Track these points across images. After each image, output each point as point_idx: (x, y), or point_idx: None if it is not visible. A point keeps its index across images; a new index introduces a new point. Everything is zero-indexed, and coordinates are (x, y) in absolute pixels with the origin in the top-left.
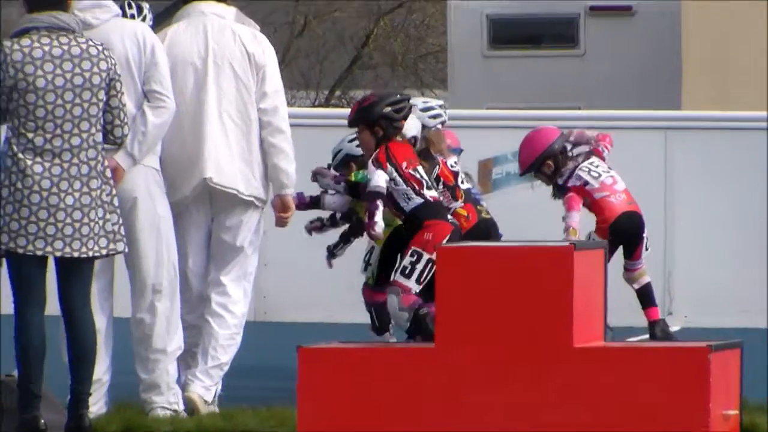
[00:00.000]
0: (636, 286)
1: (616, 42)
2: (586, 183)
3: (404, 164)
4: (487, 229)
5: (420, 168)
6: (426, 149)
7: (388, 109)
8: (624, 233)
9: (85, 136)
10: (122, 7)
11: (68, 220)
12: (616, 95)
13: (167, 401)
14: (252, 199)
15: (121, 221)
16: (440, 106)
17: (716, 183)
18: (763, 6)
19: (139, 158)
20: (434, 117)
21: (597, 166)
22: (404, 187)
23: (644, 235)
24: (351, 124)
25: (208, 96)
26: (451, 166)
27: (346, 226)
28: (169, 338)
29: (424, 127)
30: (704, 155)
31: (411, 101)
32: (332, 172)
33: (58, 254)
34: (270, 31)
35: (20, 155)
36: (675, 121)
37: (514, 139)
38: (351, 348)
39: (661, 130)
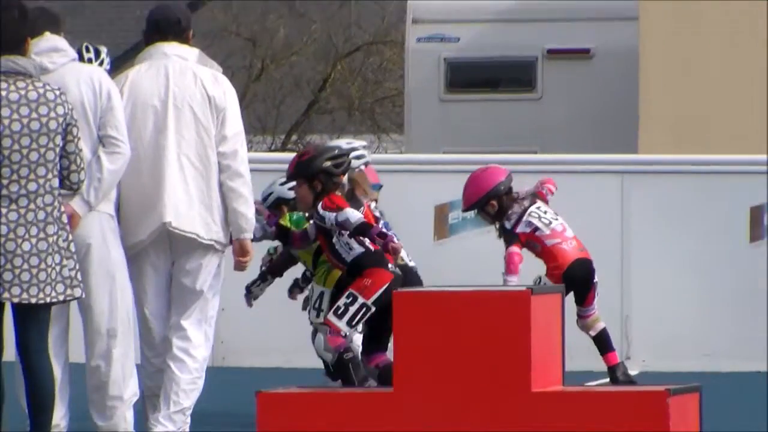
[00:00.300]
0: (592, 333)
1: (573, 85)
2: (537, 229)
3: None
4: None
5: (374, 206)
6: (351, 191)
7: (328, 163)
8: (576, 280)
9: (41, 181)
10: (80, 51)
11: (25, 266)
12: (573, 139)
13: None
14: (212, 243)
15: (77, 267)
16: (364, 147)
17: (673, 226)
18: (722, 47)
19: (95, 204)
20: (358, 158)
21: (545, 212)
22: (346, 237)
23: (595, 281)
24: (290, 178)
25: (167, 140)
26: (375, 209)
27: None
28: (125, 384)
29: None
30: (661, 199)
31: (334, 143)
32: (266, 211)
33: (15, 300)
34: (227, 75)
35: None
36: (631, 165)
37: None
38: (309, 393)
39: (617, 174)
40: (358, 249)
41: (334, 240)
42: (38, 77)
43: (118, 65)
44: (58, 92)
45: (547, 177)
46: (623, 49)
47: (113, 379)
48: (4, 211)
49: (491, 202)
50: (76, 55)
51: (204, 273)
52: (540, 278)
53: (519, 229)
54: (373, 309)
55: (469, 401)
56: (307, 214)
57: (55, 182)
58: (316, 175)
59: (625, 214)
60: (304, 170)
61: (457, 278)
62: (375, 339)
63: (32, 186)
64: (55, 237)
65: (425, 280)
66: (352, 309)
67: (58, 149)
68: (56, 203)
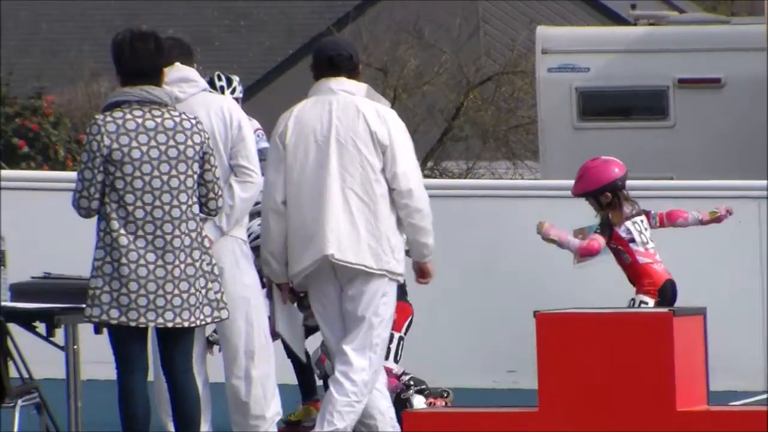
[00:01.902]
0: None
1: (705, 113)
2: (632, 240)
3: None
4: None
5: None
6: None
7: None
8: (666, 299)
9: (184, 207)
10: (211, 79)
11: (176, 291)
12: (706, 165)
13: None
14: (384, 272)
15: (222, 289)
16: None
17: None
18: None
19: (227, 230)
20: None
21: (645, 229)
22: None
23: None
24: None
25: (330, 174)
26: None
27: None
28: (267, 404)
29: None
30: None
31: None
32: None
33: (170, 325)
34: None
35: (121, 231)
36: None
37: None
38: (454, 412)
39: (755, 199)
40: None
41: None
42: (173, 106)
43: (248, 96)
44: (194, 121)
45: (676, 209)
46: (753, 78)
47: (254, 399)
48: (150, 238)
49: (606, 194)
50: (206, 86)
51: (367, 299)
52: (634, 300)
53: (617, 229)
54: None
55: (614, 421)
56: None
57: (196, 208)
58: None
59: (763, 240)
60: None
61: (598, 300)
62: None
63: (176, 212)
64: (200, 262)
65: (567, 303)
66: (393, 346)
67: (196, 176)
68: (198, 228)
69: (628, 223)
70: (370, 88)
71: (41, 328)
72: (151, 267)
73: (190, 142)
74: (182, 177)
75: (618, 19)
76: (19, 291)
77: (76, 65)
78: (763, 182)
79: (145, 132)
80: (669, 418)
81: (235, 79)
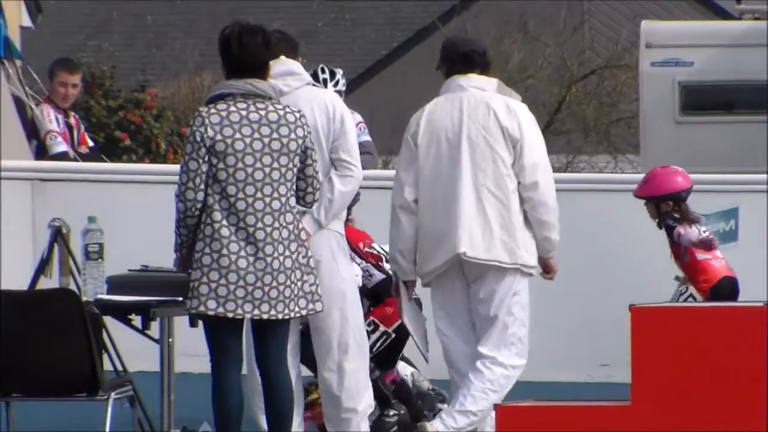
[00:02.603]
0: None
1: None
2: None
3: (360, 245)
4: None
5: (375, 245)
6: None
7: None
8: (723, 296)
9: (283, 200)
10: (315, 72)
11: (274, 284)
12: None
13: None
14: (517, 267)
15: (317, 282)
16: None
17: None
18: None
19: (325, 224)
20: None
21: (705, 231)
22: (364, 264)
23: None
24: None
25: (462, 172)
26: None
27: None
28: (359, 397)
29: None
30: None
31: None
32: None
33: (265, 316)
34: None
35: (223, 222)
36: None
37: (710, 202)
38: (546, 406)
39: None
40: (378, 276)
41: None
42: (278, 100)
43: (351, 89)
44: (298, 114)
45: None
46: None
47: (347, 392)
48: (251, 230)
49: (668, 202)
50: (310, 79)
51: (499, 299)
52: (684, 290)
53: (679, 230)
54: (393, 336)
55: (706, 415)
56: None
57: (293, 201)
58: None
59: None
60: None
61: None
62: (385, 358)
63: (276, 204)
64: (296, 254)
65: (663, 297)
66: (374, 337)
67: (295, 169)
68: (295, 221)
69: (693, 227)
70: (501, 82)
71: (137, 321)
72: (251, 259)
73: (293, 136)
74: (283, 170)
75: (723, 14)
76: (115, 284)
77: (180, 58)
78: None
79: (248, 124)
80: (763, 412)
81: (339, 72)
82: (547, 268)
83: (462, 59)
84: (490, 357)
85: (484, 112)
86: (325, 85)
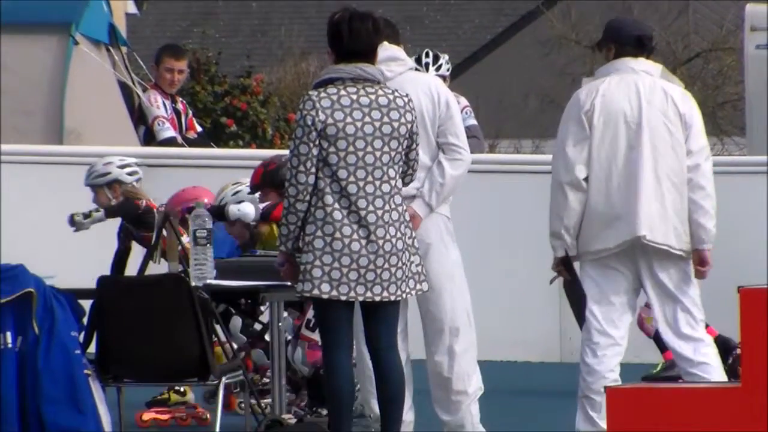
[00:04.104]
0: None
1: None
2: None
3: None
4: None
5: None
6: (126, 200)
7: None
8: None
9: (392, 183)
10: (419, 57)
11: (386, 266)
12: None
13: None
14: (682, 252)
15: (422, 262)
16: (136, 164)
17: None
18: None
19: (435, 207)
20: (131, 174)
21: None
22: None
23: None
24: (257, 188)
25: (643, 156)
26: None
27: None
28: (468, 379)
29: (122, 182)
30: None
31: (110, 158)
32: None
33: (378, 298)
34: (568, 81)
35: (335, 205)
36: None
37: None
38: (658, 388)
39: None
40: None
41: None
42: (386, 84)
43: (456, 73)
44: (406, 99)
45: None
46: None
47: (457, 374)
48: (363, 213)
49: None
50: (413, 64)
51: (675, 280)
52: None
53: None
54: None
55: None
56: None
57: (401, 183)
58: (283, 184)
59: None
60: (273, 179)
61: None
62: None
63: (386, 187)
64: (405, 236)
65: None
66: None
67: (402, 153)
68: (403, 203)
69: None
70: (664, 68)
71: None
72: (363, 242)
73: (403, 120)
74: (392, 153)
75: None
76: (224, 269)
77: (285, 44)
78: None
79: (359, 108)
80: None
81: (443, 57)
82: (701, 261)
83: (635, 42)
84: (697, 338)
85: (661, 98)
86: (427, 69)
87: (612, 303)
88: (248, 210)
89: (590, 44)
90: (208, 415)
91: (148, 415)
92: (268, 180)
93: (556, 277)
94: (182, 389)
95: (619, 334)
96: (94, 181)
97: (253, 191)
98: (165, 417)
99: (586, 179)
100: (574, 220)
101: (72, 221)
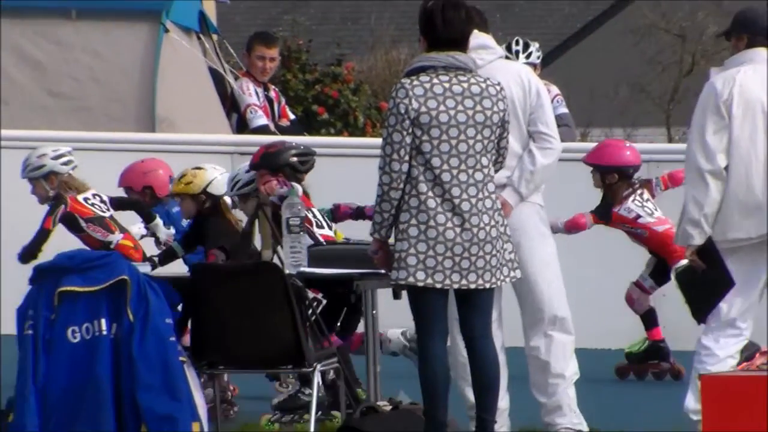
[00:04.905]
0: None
1: None
2: (638, 216)
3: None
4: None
5: (315, 209)
6: (57, 194)
7: (295, 159)
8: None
9: (485, 171)
10: (509, 44)
11: (480, 253)
12: None
13: (570, 422)
14: None
15: (515, 250)
16: (69, 153)
17: None
18: None
19: (526, 196)
20: (66, 164)
21: (647, 200)
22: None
23: None
24: (254, 168)
25: None
26: (86, 200)
27: None
28: (566, 364)
29: (57, 173)
30: None
31: (43, 150)
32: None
33: (473, 286)
34: (657, 70)
35: (429, 193)
36: None
37: None
38: (755, 376)
39: None
40: (308, 240)
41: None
42: (477, 72)
43: (547, 62)
44: (498, 87)
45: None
46: None
47: (554, 357)
48: (456, 201)
49: (614, 174)
50: (503, 53)
51: None
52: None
53: (617, 210)
54: (325, 302)
55: None
56: None
57: (492, 171)
58: (281, 168)
59: None
60: (271, 162)
61: None
62: (343, 327)
63: (479, 176)
64: (498, 223)
65: None
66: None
67: (495, 142)
68: (495, 191)
69: (629, 203)
70: None
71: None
72: (458, 230)
73: (495, 108)
74: (485, 142)
75: None
76: (317, 257)
77: (376, 32)
78: None
79: (452, 96)
80: None
81: (534, 45)
82: None
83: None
84: None
85: None
86: (517, 57)
87: (744, 292)
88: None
89: (680, 33)
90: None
91: None
92: (265, 162)
93: (689, 268)
94: None
95: (746, 326)
96: (30, 175)
97: (252, 169)
98: None
99: (725, 168)
100: (713, 209)
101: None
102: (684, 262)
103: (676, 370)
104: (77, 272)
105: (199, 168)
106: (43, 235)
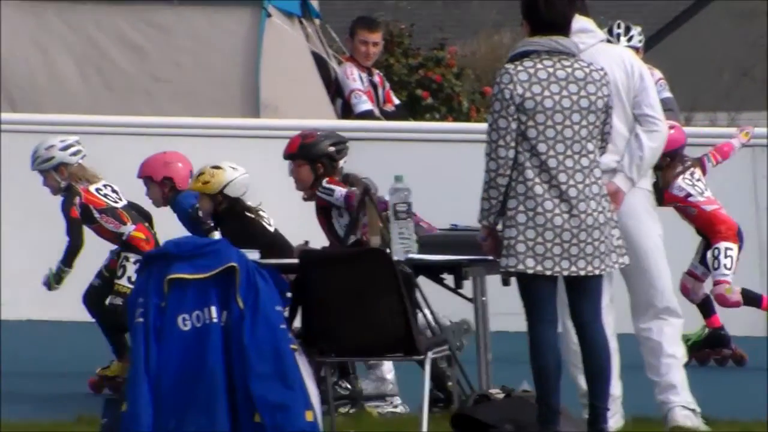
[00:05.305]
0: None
1: None
2: (689, 195)
3: None
4: None
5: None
6: (69, 185)
7: (332, 148)
8: (742, 244)
9: (591, 156)
10: (611, 28)
11: (588, 240)
12: None
13: (685, 401)
14: None
15: (621, 235)
16: (77, 142)
17: None
18: None
19: (636, 181)
20: (74, 154)
21: (698, 180)
22: (345, 220)
23: None
24: (291, 158)
25: None
26: (98, 190)
27: None
28: (678, 346)
29: (67, 164)
30: None
31: (51, 141)
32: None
33: (582, 273)
34: (762, 54)
35: (536, 180)
36: None
37: None
38: None
39: None
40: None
41: (333, 221)
42: (580, 57)
43: (650, 45)
44: (602, 72)
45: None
46: None
47: (666, 338)
48: (563, 187)
49: (666, 158)
50: (604, 36)
51: None
52: (717, 249)
53: (669, 190)
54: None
55: None
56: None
57: (598, 156)
58: (319, 158)
59: None
60: (308, 152)
61: None
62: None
63: (585, 161)
64: (605, 209)
65: None
66: None
67: (600, 127)
68: (602, 176)
69: (679, 181)
70: None
71: (449, 280)
72: (566, 216)
73: (600, 93)
74: (590, 127)
75: None
76: (426, 243)
77: (478, 16)
78: None
79: (556, 81)
80: None
81: (635, 28)
82: None
83: None
84: None
85: None
86: (618, 41)
87: None
88: None
89: None
90: None
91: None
92: (303, 151)
93: None
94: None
95: None
96: (40, 167)
97: (287, 158)
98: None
99: None
100: None
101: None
102: (726, 243)
103: (738, 355)
104: (185, 259)
105: (218, 167)
106: (76, 224)
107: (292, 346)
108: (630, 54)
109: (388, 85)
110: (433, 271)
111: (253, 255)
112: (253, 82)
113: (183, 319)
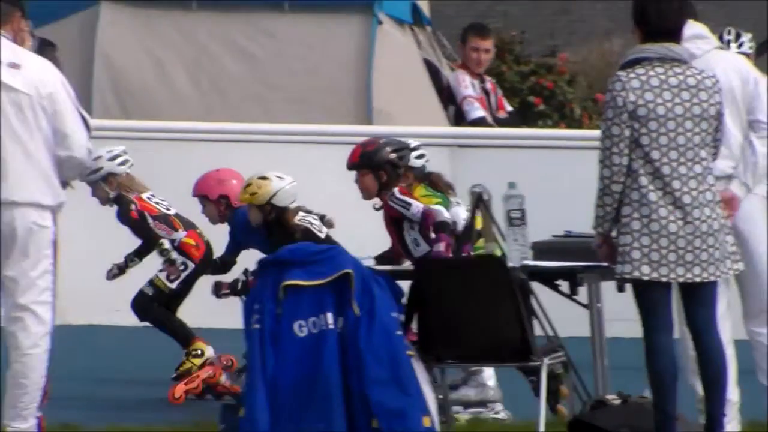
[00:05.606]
0: None
1: None
2: None
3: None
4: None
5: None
6: (119, 194)
7: (394, 155)
8: None
9: (704, 164)
10: (721, 35)
11: (703, 246)
12: None
13: None
14: None
15: (735, 241)
16: (124, 152)
17: None
18: None
19: (752, 187)
20: (122, 164)
21: None
22: (416, 232)
23: None
24: (354, 167)
25: None
26: (150, 197)
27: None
28: (727, 343)
29: (115, 174)
30: None
31: (98, 152)
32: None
33: (698, 279)
34: None
35: (650, 187)
36: None
37: None
38: None
39: None
40: (424, 246)
41: (405, 233)
42: (691, 64)
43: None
44: (714, 80)
45: None
46: None
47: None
48: (677, 194)
49: None
50: (717, 42)
51: None
52: None
53: None
54: None
55: None
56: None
57: (711, 163)
58: (382, 166)
59: None
60: (370, 160)
61: None
62: None
63: (698, 168)
64: (719, 215)
65: None
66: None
67: (712, 134)
68: (715, 183)
69: None
70: None
71: (564, 286)
72: (680, 223)
73: (712, 101)
74: (703, 134)
75: None
76: (540, 249)
77: (588, 23)
78: None
79: (668, 89)
80: None
81: (746, 35)
82: None
83: None
84: None
85: None
86: (728, 47)
87: None
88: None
89: None
90: (233, 359)
91: (179, 391)
92: (365, 160)
93: None
94: (199, 351)
95: None
96: (88, 178)
97: (351, 169)
98: (195, 384)
99: None
100: None
101: None
102: None
103: None
104: (299, 266)
105: (264, 178)
106: (138, 224)
107: (409, 353)
108: (744, 61)
109: (500, 91)
110: (548, 278)
111: (368, 261)
112: (365, 89)
113: (299, 325)
